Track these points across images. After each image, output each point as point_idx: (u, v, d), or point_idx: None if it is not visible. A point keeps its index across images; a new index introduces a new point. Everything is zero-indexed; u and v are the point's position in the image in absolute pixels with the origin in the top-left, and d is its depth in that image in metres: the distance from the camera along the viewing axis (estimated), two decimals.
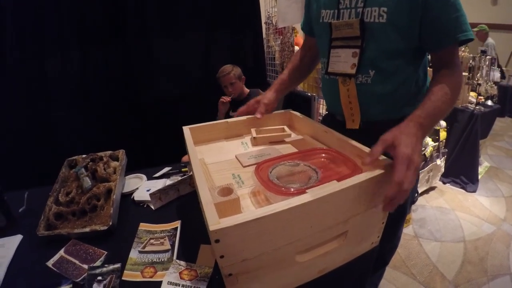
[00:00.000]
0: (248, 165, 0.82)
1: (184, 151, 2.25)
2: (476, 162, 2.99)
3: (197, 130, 0.97)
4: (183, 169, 1.32)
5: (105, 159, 1.13)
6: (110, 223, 0.85)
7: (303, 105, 2.27)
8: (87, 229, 0.84)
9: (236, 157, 0.88)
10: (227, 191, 0.57)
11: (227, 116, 2.24)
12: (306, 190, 0.55)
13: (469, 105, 2.96)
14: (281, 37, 3.06)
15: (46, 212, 0.89)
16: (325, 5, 0.95)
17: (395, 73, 0.88)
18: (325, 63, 0.99)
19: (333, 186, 0.57)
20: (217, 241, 0.44)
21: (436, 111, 0.73)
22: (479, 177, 3.15)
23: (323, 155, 0.77)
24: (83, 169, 1.05)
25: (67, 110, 2.21)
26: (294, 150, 0.93)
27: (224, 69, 2.13)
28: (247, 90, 2.27)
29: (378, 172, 0.62)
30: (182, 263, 0.72)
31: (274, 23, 3.27)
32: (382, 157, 0.66)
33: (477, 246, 2.22)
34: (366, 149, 0.76)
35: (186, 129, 0.94)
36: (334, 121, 1.07)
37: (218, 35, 2.56)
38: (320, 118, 3.18)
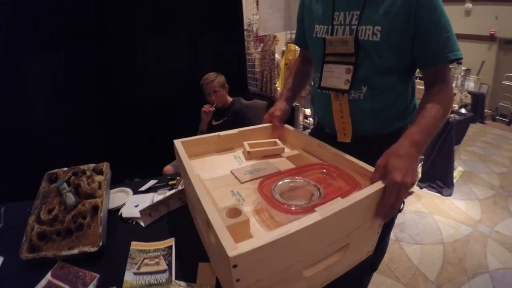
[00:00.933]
0: (246, 181, 0.83)
1: (166, 161, 2.24)
2: (451, 167, 3.18)
3: (189, 143, 0.96)
4: (170, 182, 1.30)
5: (88, 173, 1.09)
6: (100, 244, 0.82)
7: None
8: (75, 251, 0.81)
9: (231, 172, 0.89)
10: (235, 212, 0.58)
11: (210, 125, 2.23)
12: (315, 209, 0.57)
13: None
14: (262, 44, 3.11)
15: (28, 232, 0.85)
16: (318, 20, 0.99)
17: (387, 89, 0.93)
18: (318, 77, 1.02)
19: (340, 203, 0.59)
20: (234, 266, 0.44)
21: (430, 127, 0.77)
22: (454, 181, 3.35)
23: (324, 170, 0.80)
24: (65, 184, 1.01)
25: (46, 117, 2.11)
26: (289, 164, 0.95)
27: (208, 77, 2.13)
28: (230, 99, 2.28)
29: (379, 186, 0.66)
30: (182, 283, 0.71)
31: (254, 30, 3.32)
32: None
33: (455, 248, 2.36)
34: (362, 164, 0.80)
35: (178, 143, 0.93)
36: (323, 133, 1.10)
37: (201, 42, 2.56)
38: (301, 127, 3.26)
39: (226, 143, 1.06)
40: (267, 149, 1.01)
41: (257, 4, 3.09)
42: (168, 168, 2.22)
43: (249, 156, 0.98)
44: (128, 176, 2.47)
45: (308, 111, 3.28)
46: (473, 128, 5.38)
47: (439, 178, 3.22)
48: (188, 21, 2.46)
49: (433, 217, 2.79)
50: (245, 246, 0.45)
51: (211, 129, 2.23)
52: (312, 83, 1.18)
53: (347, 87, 0.92)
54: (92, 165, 1.14)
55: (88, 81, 2.22)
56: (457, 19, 7.04)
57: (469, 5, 6.91)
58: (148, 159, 2.44)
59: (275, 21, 2.55)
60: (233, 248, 0.44)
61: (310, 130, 1.14)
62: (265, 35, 2.94)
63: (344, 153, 0.86)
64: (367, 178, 0.77)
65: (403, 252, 2.30)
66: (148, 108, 2.44)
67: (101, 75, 2.25)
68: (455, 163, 3.39)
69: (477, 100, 5.18)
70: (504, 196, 3.22)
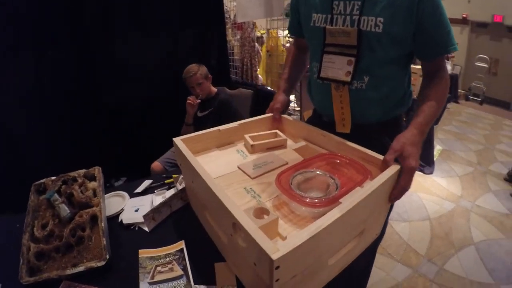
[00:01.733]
0: (257, 176, 0.82)
1: (151, 158, 2.19)
2: (432, 147, 3.33)
3: (189, 140, 0.93)
4: (166, 181, 1.27)
5: (80, 180, 1.04)
6: (107, 256, 0.79)
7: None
8: (81, 268, 0.77)
9: (239, 168, 0.87)
10: (261, 211, 0.57)
11: (196, 117, 2.19)
12: (340, 200, 0.58)
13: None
14: (241, 32, 3.06)
15: (25, 253, 0.79)
16: (316, 9, 0.98)
17: (388, 78, 0.95)
18: (317, 67, 1.02)
19: (361, 193, 0.62)
20: (277, 267, 0.44)
21: (433, 116, 0.85)
22: (434, 159, 3.52)
23: (336, 160, 0.81)
24: (56, 195, 0.96)
25: (24, 122, 1.98)
26: (295, 155, 0.95)
27: (189, 69, 2.07)
28: (214, 89, 2.24)
29: (392, 172, 0.70)
30: (203, 287, 0.70)
31: (232, 17, 3.26)
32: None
33: (441, 223, 2.51)
34: (368, 151, 0.82)
35: (178, 141, 0.90)
36: (320, 122, 1.11)
37: (181, 33, 2.48)
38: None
39: (227, 137, 1.04)
40: (270, 141, 1.00)
41: None
42: (156, 165, 2.16)
43: (252, 149, 0.97)
44: (113, 176, 2.40)
45: (292, 97, 3.30)
46: (449, 108, 5.66)
47: (421, 158, 3.36)
48: (167, 10, 2.36)
49: (417, 194, 2.93)
50: (285, 246, 0.45)
51: (196, 120, 2.19)
52: (308, 72, 1.18)
53: (348, 78, 0.93)
54: (82, 171, 1.08)
55: (65, 83, 2.10)
56: None
57: None
58: (133, 157, 2.37)
59: (254, 7, 2.51)
60: (275, 250, 0.44)
61: (294, 116, 1.15)
62: (244, 22, 2.89)
63: (349, 142, 0.88)
64: (374, 165, 0.80)
65: (393, 230, 2.41)
66: (130, 106, 2.35)
67: (79, 76, 2.13)
68: (434, 142, 3.56)
69: (452, 80, 5.43)
70: (482, 172, 3.43)
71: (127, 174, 2.36)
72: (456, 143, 4.26)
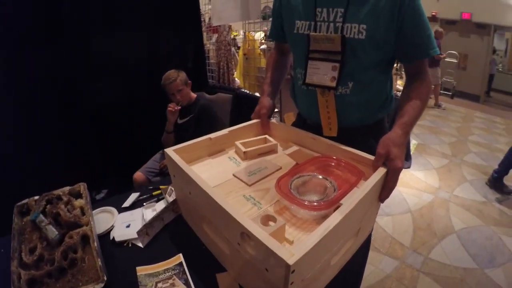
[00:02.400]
0: (253, 183, 0.84)
1: (133, 168, 2.14)
2: (408, 141, 3.49)
3: (181, 150, 0.93)
4: (154, 193, 1.26)
5: (65, 198, 1.01)
6: (105, 278, 0.78)
7: (253, 107, 2.32)
8: None
9: (235, 176, 0.89)
10: (267, 218, 0.60)
11: (176, 124, 2.18)
12: (341, 202, 0.62)
13: (397, 92, 3.44)
14: (216, 35, 3.07)
15: (15, 282, 0.76)
16: (299, 16, 1.01)
17: (371, 83, 1.00)
18: (301, 73, 1.05)
19: (358, 194, 0.66)
20: (293, 271, 0.46)
21: (417, 117, 0.90)
22: (411, 153, 3.70)
23: (330, 163, 0.84)
24: (41, 216, 0.93)
25: None
26: (287, 159, 0.98)
27: (169, 76, 2.06)
28: (194, 95, 2.24)
29: (382, 172, 0.76)
30: None
31: (206, 20, 3.26)
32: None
33: (422, 214, 2.65)
34: (359, 152, 0.88)
35: (171, 152, 0.90)
36: (305, 126, 1.15)
37: (157, 37, 2.45)
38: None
39: (218, 145, 1.05)
40: (262, 146, 1.03)
41: None
42: (139, 175, 2.13)
43: (245, 156, 0.99)
44: (94, 188, 2.32)
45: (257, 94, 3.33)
46: None
47: None
48: (141, 14, 2.33)
49: (397, 189, 3.05)
50: (299, 250, 0.47)
51: (177, 128, 2.19)
52: (292, 77, 1.22)
53: (333, 84, 0.97)
54: (67, 189, 1.05)
55: (39, 88, 2.00)
56: None
57: None
58: (112, 167, 2.31)
59: (230, 10, 2.53)
60: (291, 255, 0.46)
61: (273, 119, 1.19)
62: (219, 25, 2.91)
63: (339, 144, 0.93)
64: (365, 165, 0.85)
65: (377, 224, 2.52)
66: (106, 113, 2.29)
67: (54, 78, 2.05)
68: (409, 137, 3.74)
69: None
70: (457, 163, 3.65)
71: (108, 186, 2.30)
72: (431, 137, 4.49)
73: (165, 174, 2.15)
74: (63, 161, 2.08)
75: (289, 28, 1.07)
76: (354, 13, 0.90)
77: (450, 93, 7.57)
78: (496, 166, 3.16)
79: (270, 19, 2.87)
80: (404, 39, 0.91)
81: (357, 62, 0.95)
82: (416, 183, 3.18)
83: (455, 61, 7.49)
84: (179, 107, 2.08)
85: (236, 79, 3.01)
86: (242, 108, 2.34)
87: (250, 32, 2.87)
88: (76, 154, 2.18)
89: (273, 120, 1.17)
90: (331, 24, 0.94)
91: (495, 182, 3.10)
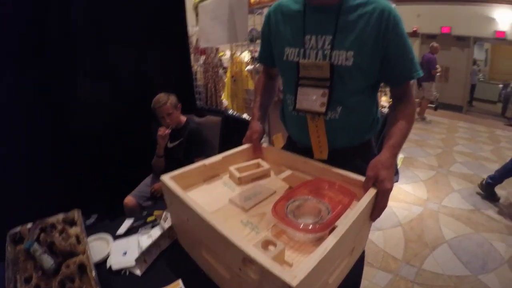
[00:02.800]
0: (250, 208, 0.88)
1: (126, 190, 2.13)
2: None
3: (178, 178, 0.97)
4: (148, 219, 1.28)
5: (59, 226, 1.03)
6: None
7: (242, 129, 2.31)
8: None
9: (231, 201, 0.93)
10: (267, 242, 0.63)
11: (166, 148, 2.20)
12: (336, 224, 0.66)
13: (382, 109, 3.59)
14: (203, 57, 3.15)
15: None
16: (289, 43, 1.06)
17: (358, 107, 1.06)
18: (291, 99, 1.10)
19: (352, 215, 0.70)
20: None
21: (403, 139, 0.96)
22: (398, 168, 3.81)
23: (322, 186, 0.89)
24: (36, 245, 0.94)
25: None
26: (281, 183, 1.02)
27: (159, 100, 2.10)
28: (184, 118, 2.28)
29: (373, 193, 0.82)
30: None
31: (194, 42, 3.34)
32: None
33: (412, 227, 2.72)
34: (350, 174, 0.93)
35: (167, 179, 0.93)
36: (296, 149, 1.19)
37: (145, 58, 2.49)
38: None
39: (212, 170, 1.09)
40: (256, 171, 1.07)
41: (197, 15, 3.12)
42: (130, 200, 2.12)
43: (240, 181, 1.03)
44: (83, 213, 2.28)
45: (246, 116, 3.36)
46: None
47: None
48: (130, 36, 2.37)
49: None
50: (301, 272, 0.52)
51: (167, 151, 2.21)
52: (281, 100, 1.27)
53: (323, 109, 1.02)
54: (61, 216, 1.07)
55: (24, 110, 1.99)
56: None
57: (393, 5, 8.04)
58: (102, 191, 2.30)
59: (218, 32, 2.61)
60: (293, 277, 0.50)
61: (266, 139, 1.24)
62: (207, 47, 2.99)
63: (331, 166, 0.98)
64: (357, 186, 0.90)
65: (369, 240, 2.56)
66: (94, 136, 2.28)
67: (38, 100, 2.03)
68: None
69: None
70: (444, 174, 3.77)
71: (98, 210, 2.28)
72: (417, 150, 4.64)
73: (156, 199, 2.15)
74: (52, 185, 2.05)
75: (278, 54, 1.12)
76: (342, 40, 0.96)
77: (434, 105, 7.87)
78: (482, 174, 3.29)
79: (258, 41, 2.93)
80: (389, 64, 0.98)
81: (345, 88, 1.00)
82: (405, 196, 3.27)
83: (438, 74, 7.83)
84: (169, 131, 2.11)
85: (224, 100, 3.07)
86: (231, 130, 2.38)
87: (237, 53, 2.94)
88: (65, 178, 2.16)
89: (264, 144, 1.21)
90: (320, 51, 1.00)
91: (487, 187, 3.16)
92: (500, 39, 7.45)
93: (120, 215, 1.35)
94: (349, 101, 1.03)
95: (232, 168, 1.08)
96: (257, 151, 1.19)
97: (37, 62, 2.01)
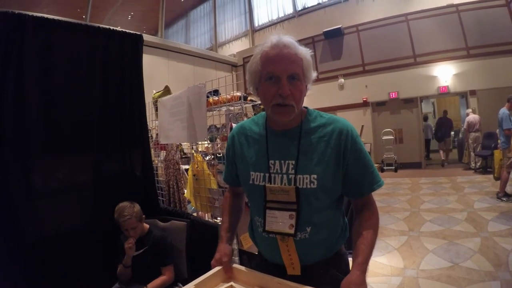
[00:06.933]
0: None
1: None
2: None
3: None
4: None
5: None
6: None
7: (208, 234, 2.32)
8: None
9: None
10: None
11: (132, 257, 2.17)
12: None
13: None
14: (164, 152, 3.23)
15: None
16: (254, 167, 1.16)
17: (327, 222, 1.15)
18: (260, 222, 1.17)
19: None
20: None
21: (370, 251, 1.07)
22: None
23: None
24: None
25: None
26: None
27: (123, 212, 2.11)
28: (146, 226, 2.29)
29: None
30: None
31: (154, 137, 3.44)
32: None
33: None
34: None
35: None
36: (267, 265, 1.25)
37: (103, 157, 2.50)
38: None
39: None
40: None
41: (156, 110, 3.26)
42: None
43: None
44: None
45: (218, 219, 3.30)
46: None
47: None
48: (86, 135, 2.40)
49: None
50: None
51: (132, 260, 2.16)
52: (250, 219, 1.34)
53: (292, 231, 1.08)
54: None
55: None
56: (333, 93, 9.62)
57: (341, 80, 9.60)
58: None
59: (177, 131, 2.71)
60: None
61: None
62: (167, 143, 3.09)
63: (305, 286, 1.05)
64: None
65: None
66: (53, 245, 2.19)
67: None
68: None
69: None
70: (416, 237, 3.93)
71: None
72: (385, 217, 4.80)
73: None
74: None
75: (244, 177, 1.21)
76: (305, 164, 1.07)
77: (393, 167, 8.53)
78: (453, 227, 3.69)
79: (217, 140, 3.04)
80: (350, 180, 1.09)
81: (311, 208, 1.09)
82: (381, 269, 3.27)
83: (392, 137, 8.71)
84: (134, 240, 2.12)
85: (187, 198, 3.07)
86: (197, 235, 2.38)
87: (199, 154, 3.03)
88: None
89: (235, 265, 1.28)
90: (285, 176, 1.09)
91: (503, 195, 4.84)
92: (444, 93, 8.62)
93: None
94: (318, 219, 1.11)
95: None
96: (228, 272, 1.25)
97: None
